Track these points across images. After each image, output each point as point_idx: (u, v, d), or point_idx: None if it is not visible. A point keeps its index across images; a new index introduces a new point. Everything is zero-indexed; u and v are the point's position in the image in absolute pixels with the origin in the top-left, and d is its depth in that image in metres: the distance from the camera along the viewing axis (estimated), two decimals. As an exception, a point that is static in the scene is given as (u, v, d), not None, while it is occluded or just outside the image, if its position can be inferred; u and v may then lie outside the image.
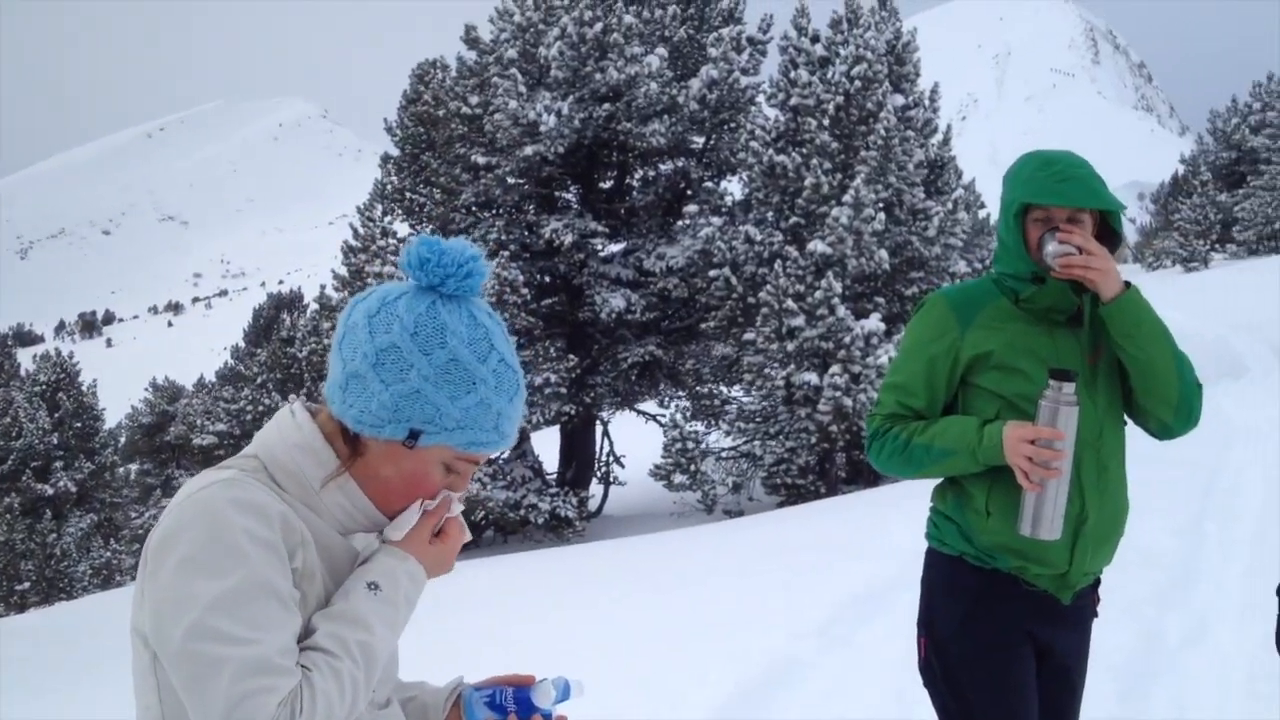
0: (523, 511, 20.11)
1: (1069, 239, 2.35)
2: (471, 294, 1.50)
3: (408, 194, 23.05)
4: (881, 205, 19.27)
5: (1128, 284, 2.42)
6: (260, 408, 38.85)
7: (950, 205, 20.69)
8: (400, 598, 1.44)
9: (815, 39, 20.79)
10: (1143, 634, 5.01)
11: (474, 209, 22.28)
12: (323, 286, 27.59)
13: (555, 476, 22.80)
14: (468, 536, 1.60)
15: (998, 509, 2.46)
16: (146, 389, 54.81)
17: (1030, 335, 2.48)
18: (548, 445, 23.90)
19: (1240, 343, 18.40)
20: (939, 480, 2.64)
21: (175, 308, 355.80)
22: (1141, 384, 2.48)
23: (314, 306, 35.67)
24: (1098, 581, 2.65)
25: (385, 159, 24.01)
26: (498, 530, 21.77)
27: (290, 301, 68.32)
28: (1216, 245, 55.14)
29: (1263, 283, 29.88)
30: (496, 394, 1.47)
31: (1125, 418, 2.59)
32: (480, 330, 1.47)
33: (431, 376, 1.43)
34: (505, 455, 22.26)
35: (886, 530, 8.19)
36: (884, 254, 19.14)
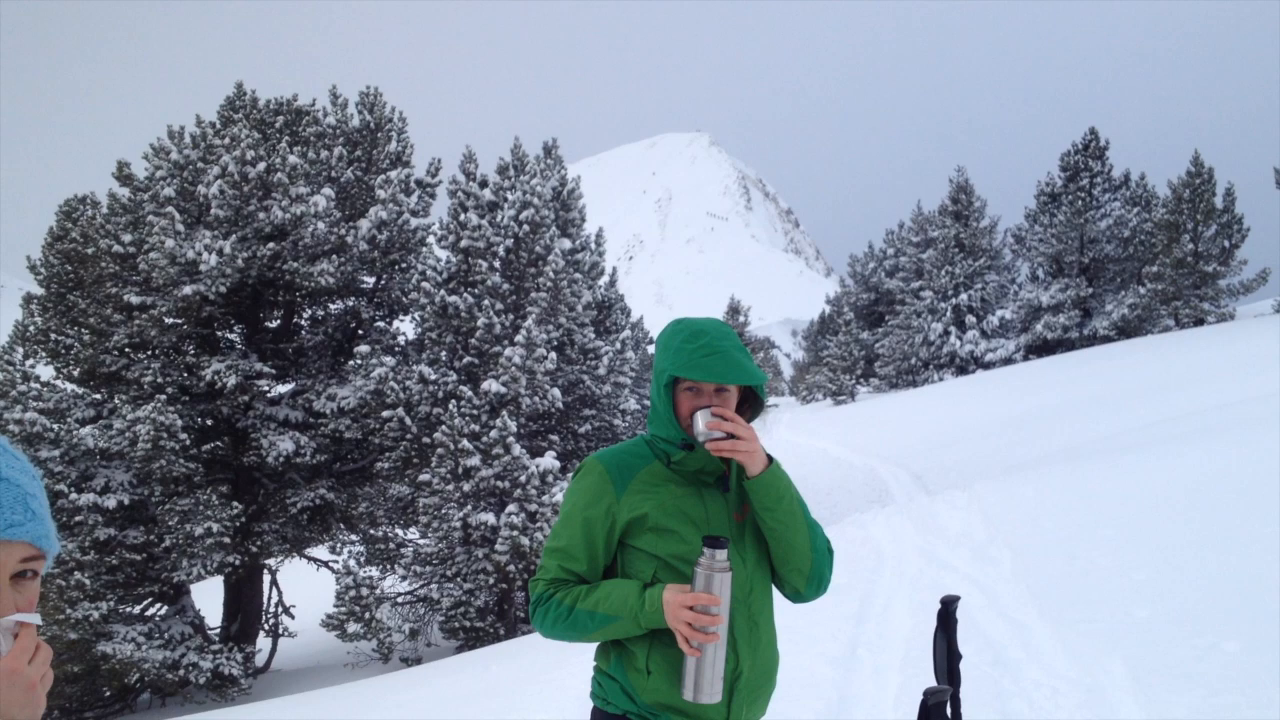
0: (182, 671, 18.71)
1: (719, 426, 2.46)
2: None
3: (53, 335, 21.47)
4: (553, 345, 19.70)
5: (770, 459, 2.56)
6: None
7: (619, 344, 21.43)
8: None
9: (484, 184, 21.22)
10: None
11: (127, 350, 21.02)
12: (-48, 436, 25.10)
13: (219, 631, 21.43)
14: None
15: (658, 668, 2.50)
16: None
17: (682, 497, 2.56)
18: (211, 598, 22.50)
19: (885, 472, 19.78)
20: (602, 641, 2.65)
21: None
22: (779, 553, 2.60)
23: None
24: (759, 729, 2.71)
25: (28, 299, 22.32)
26: (154, 692, 20.15)
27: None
28: (861, 379, 59.67)
29: (902, 415, 32.44)
30: None
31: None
32: None
33: None
34: (162, 611, 20.77)
35: (566, 674, 8.16)
36: (557, 392, 19.48)
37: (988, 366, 50.59)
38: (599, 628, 2.52)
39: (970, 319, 52.51)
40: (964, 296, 52.51)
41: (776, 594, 2.71)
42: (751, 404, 2.68)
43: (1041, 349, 49.66)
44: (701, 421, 2.47)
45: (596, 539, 2.58)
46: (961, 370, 51.84)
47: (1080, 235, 48.49)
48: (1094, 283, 49.33)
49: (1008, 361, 50.05)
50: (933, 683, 2.51)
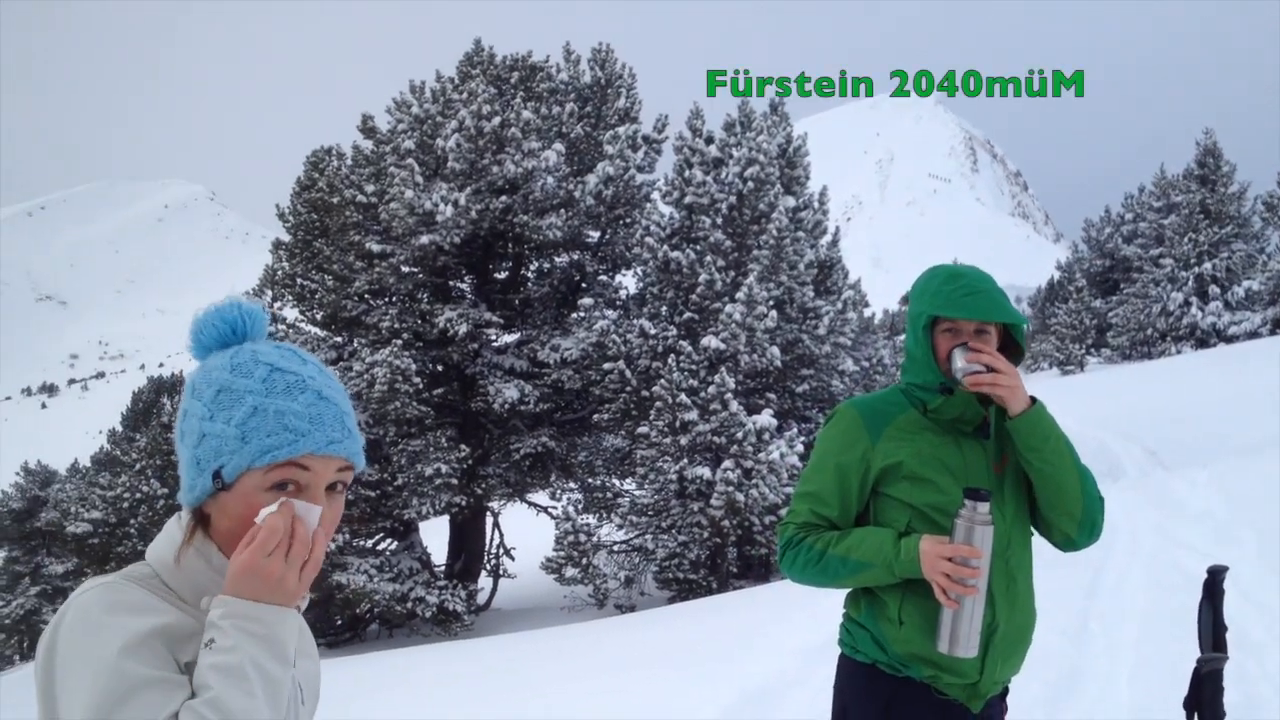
0: (409, 604, 19.68)
1: (978, 357, 2.42)
2: (238, 341, 1.52)
3: (299, 280, 22.76)
4: (773, 303, 19.63)
5: (1033, 399, 2.49)
6: (138, 495, 37.51)
7: (840, 305, 21.15)
8: (231, 644, 1.31)
9: (710, 140, 21.24)
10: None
11: (366, 296, 22.10)
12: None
13: (444, 569, 22.40)
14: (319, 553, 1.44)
15: (910, 619, 2.49)
16: (17, 473, 52.52)
17: (939, 446, 2.53)
18: (437, 537, 23.50)
19: (1117, 446, 18.95)
20: (851, 588, 2.66)
21: (50, 389, 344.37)
22: (1046, 497, 2.53)
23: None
24: (1006, 690, 2.68)
25: (276, 244, 23.68)
26: (383, 624, 21.27)
27: (171, 385, 66.06)
28: (1091, 349, 57.11)
29: (1136, 387, 30.99)
30: (269, 398, 1.44)
31: (1032, 528, 2.64)
32: (245, 356, 1.48)
33: (207, 415, 1.44)
34: (393, 546, 21.84)
35: (783, 630, 8.20)
36: (776, 351, 19.44)
37: (1230, 340, 47.65)
38: (851, 574, 2.51)
39: (1214, 289, 49.52)
40: (1208, 265, 49.52)
41: (1036, 549, 2.65)
42: (1011, 352, 2.63)
43: (1290, 323, 46.51)
44: (960, 357, 2.44)
45: (850, 485, 2.57)
46: (1201, 343, 49.01)
47: (1341, 202, 45.08)
48: (1354, 253, 45.84)
49: (1253, 335, 47.04)
50: (1175, 661, 2.43)
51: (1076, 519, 2.53)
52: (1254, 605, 6.79)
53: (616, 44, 24.15)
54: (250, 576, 1.35)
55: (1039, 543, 2.71)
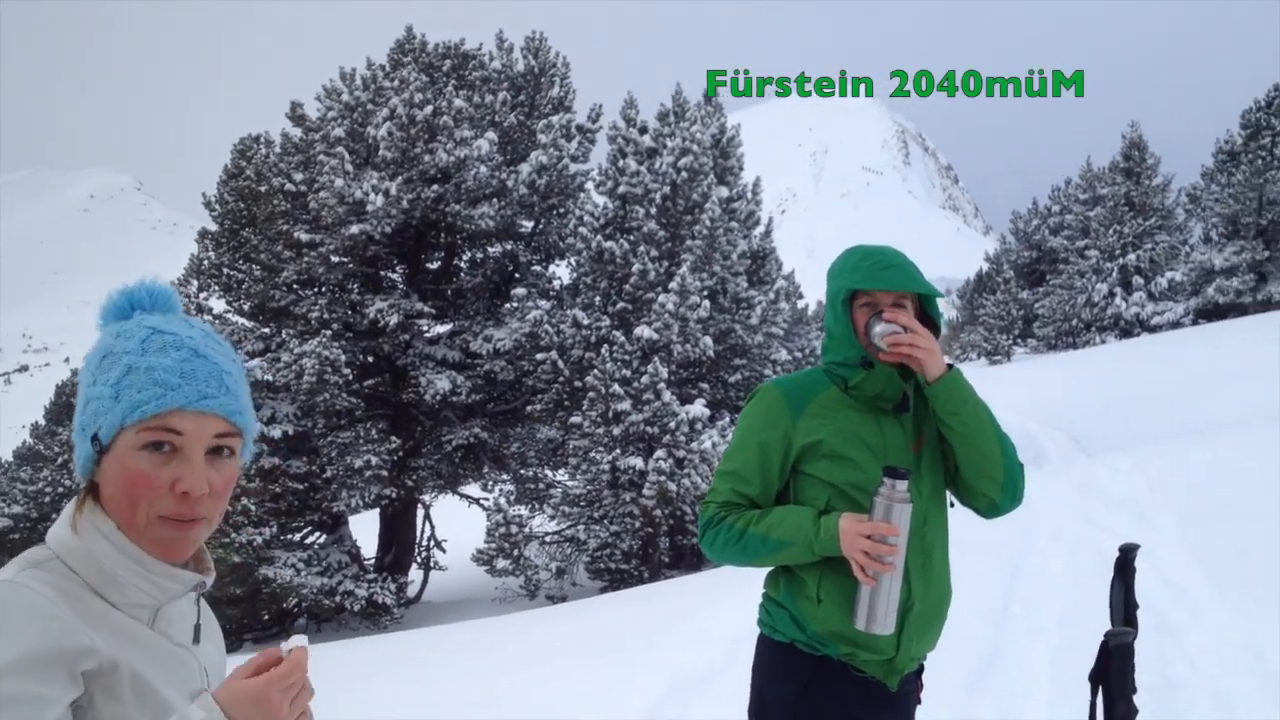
0: (338, 598, 19.50)
1: (895, 317, 2.44)
2: (124, 316, 1.49)
3: (225, 270, 22.36)
4: (706, 293, 19.67)
5: (950, 365, 2.51)
6: (60, 490, 36.70)
7: (772, 295, 21.24)
8: None
9: (643, 130, 21.22)
10: (956, 718, 5.12)
11: (295, 286, 21.79)
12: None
13: (373, 562, 22.21)
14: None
15: (829, 597, 2.49)
16: (-65, 467, 51.25)
17: (859, 424, 2.54)
18: (367, 530, 23.30)
19: (1042, 433, 19.25)
20: (770, 568, 2.66)
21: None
22: (968, 461, 2.54)
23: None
24: (922, 667, 2.69)
25: (203, 234, 23.24)
26: (311, 618, 21.03)
27: (96, 378, 64.55)
28: (1018, 340, 57.99)
29: (1062, 376, 31.51)
30: (142, 356, 1.42)
31: (948, 506, 2.66)
32: (132, 323, 1.46)
33: (91, 381, 1.43)
34: (321, 540, 21.61)
35: (711, 616, 8.21)
36: (709, 341, 19.49)
37: (1154, 330, 48.64)
38: (771, 553, 2.51)
39: (1137, 280, 50.48)
40: (1132, 257, 50.48)
41: (954, 533, 2.66)
42: (928, 328, 2.64)
43: (1212, 314, 47.43)
44: (878, 325, 2.46)
45: (771, 463, 2.57)
46: (1125, 333, 49.97)
47: (1259, 196, 46.05)
48: (1271, 246, 46.85)
49: (1175, 325, 48.01)
50: (1095, 641, 2.44)
51: (999, 482, 2.54)
52: (1173, 588, 6.90)
53: (550, 32, 24.07)
54: (257, 705, 1.29)
55: (958, 526, 2.71)
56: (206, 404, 1.41)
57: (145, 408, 1.38)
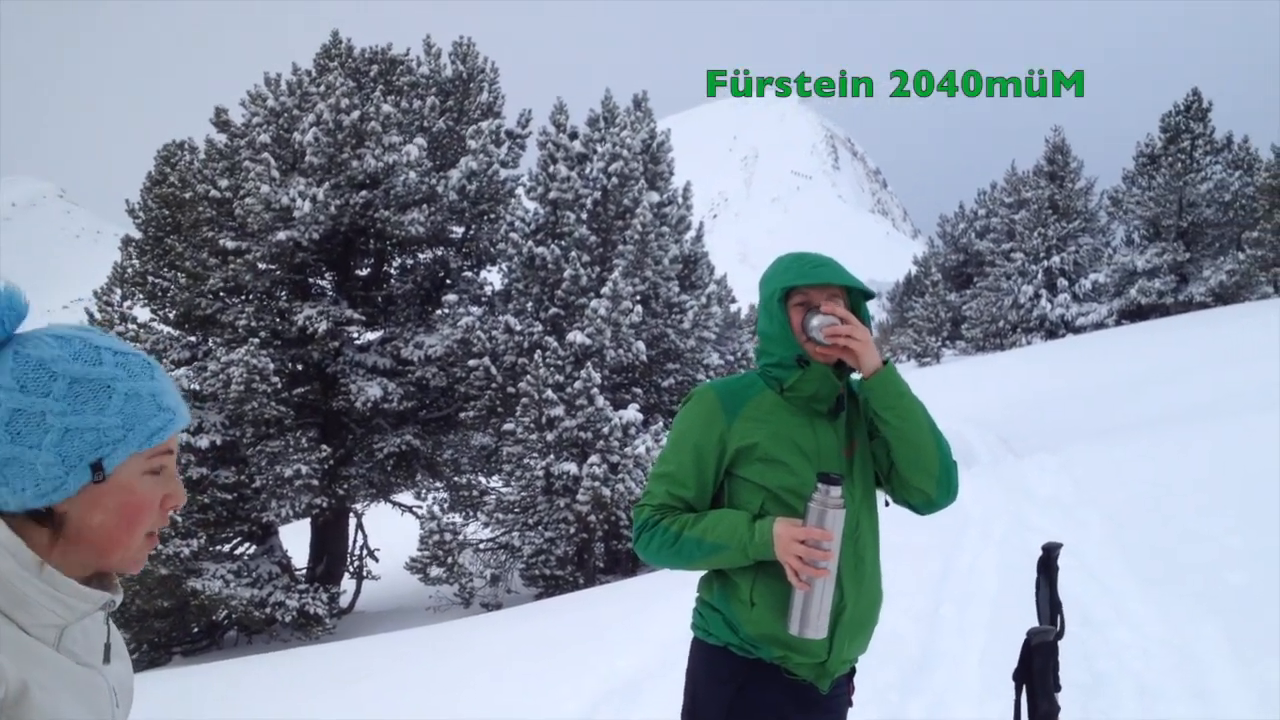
0: (269, 610, 19.21)
1: (833, 309, 2.48)
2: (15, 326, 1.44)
3: (150, 278, 21.94)
4: (638, 298, 19.71)
5: (885, 360, 2.55)
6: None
7: (704, 299, 21.31)
8: None
9: (574, 135, 21.21)
10: (888, 718, 5.17)
11: (221, 294, 21.44)
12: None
13: (305, 572, 21.93)
14: None
15: (762, 600, 2.50)
16: None
17: (794, 427, 2.56)
18: (298, 540, 23.01)
19: (972, 434, 19.48)
20: (704, 571, 2.66)
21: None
22: (903, 456, 2.57)
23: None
24: (854, 669, 2.71)
25: (126, 241, 22.77)
26: (241, 630, 20.71)
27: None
28: (947, 341, 58.81)
29: (990, 377, 32.01)
30: (136, 380, 1.41)
31: (880, 508, 2.69)
32: (71, 342, 1.41)
33: (67, 410, 1.36)
34: (251, 551, 21.29)
35: (646, 621, 8.21)
36: (641, 345, 19.52)
37: (1078, 331, 49.54)
38: (705, 556, 2.53)
39: (1062, 282, 51.43)
40: (1056, 259, 51.42)
41: (885, 537, 2.69)
42: None
43: (1135, 314, 48.48)
44: (815, 318, 2.49)
45: (706, 466, 2.58)
46: (1051, 334, 50.88)
47: (1179, 198, 47.16)
48: (1191, 248, 48.00)
49: (1099, 326, 48.97)
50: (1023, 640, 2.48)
51: (935, 476, 2.57)
52: (1099, 585, 7.02)
53: (478, 37, 23.96)
54: None
55: (889, 528, 2.74)
56: (187, 420, 1.47)
57: (161, 434, 1.41)
